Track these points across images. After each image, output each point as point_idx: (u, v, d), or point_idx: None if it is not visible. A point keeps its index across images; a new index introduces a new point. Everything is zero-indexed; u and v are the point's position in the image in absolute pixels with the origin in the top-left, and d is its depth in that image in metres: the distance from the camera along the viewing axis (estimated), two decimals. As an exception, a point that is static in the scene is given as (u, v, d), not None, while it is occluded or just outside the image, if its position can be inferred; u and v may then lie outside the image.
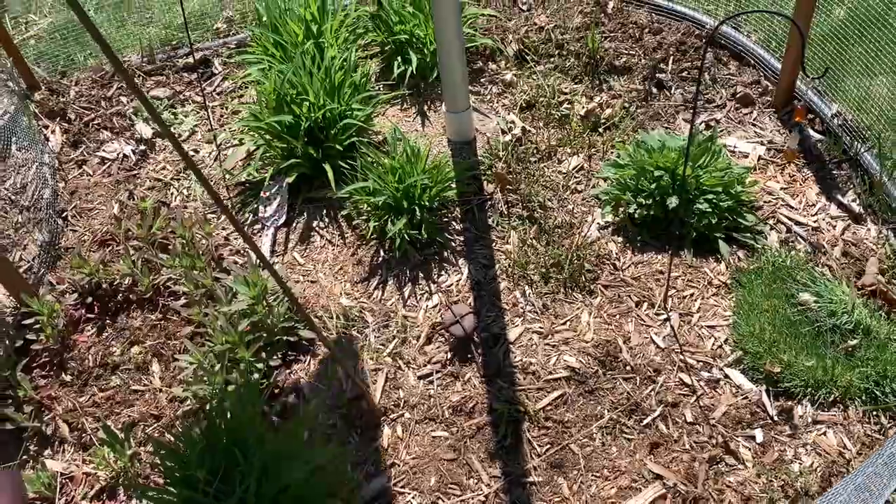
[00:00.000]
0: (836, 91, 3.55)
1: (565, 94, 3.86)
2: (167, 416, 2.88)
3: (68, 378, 3.02)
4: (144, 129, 3.97)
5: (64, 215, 3.62)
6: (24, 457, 2.83)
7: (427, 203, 3.30)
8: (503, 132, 3.72)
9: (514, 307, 3.09)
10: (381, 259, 3.31)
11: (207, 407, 2.72)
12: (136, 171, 3.82)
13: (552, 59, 4.02)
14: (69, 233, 3.55)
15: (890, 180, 3.20)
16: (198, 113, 4.07)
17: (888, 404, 2.64)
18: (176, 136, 3.88)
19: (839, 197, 3.29)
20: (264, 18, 3.91)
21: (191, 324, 3.10)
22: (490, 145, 3.65)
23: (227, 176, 3.70)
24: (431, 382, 2.90)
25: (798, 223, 3.23)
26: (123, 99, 4.12)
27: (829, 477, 2.51)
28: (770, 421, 2.68)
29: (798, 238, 3.18)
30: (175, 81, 4.24)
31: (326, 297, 3.20)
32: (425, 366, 2.95)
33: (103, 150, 3.90)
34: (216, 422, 2.46)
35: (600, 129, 3.68)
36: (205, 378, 2.82)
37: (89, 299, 3.22)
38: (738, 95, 3.73)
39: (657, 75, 3.84)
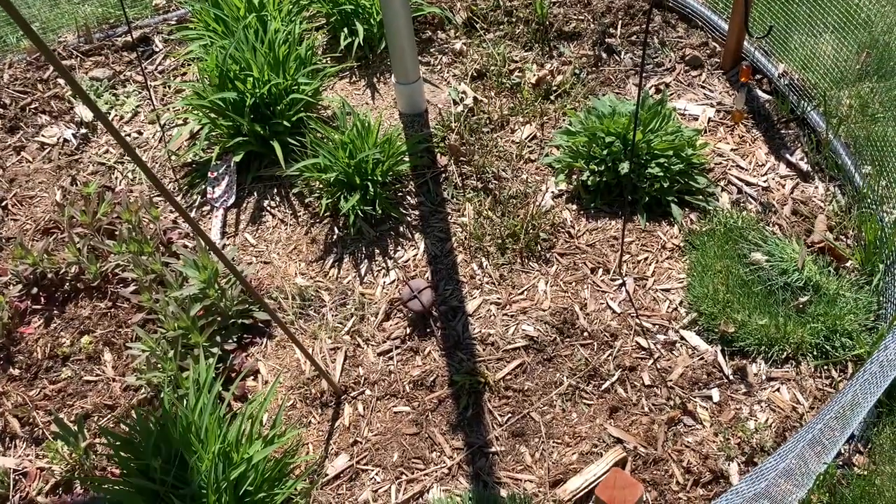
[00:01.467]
0: (782, 51, 3.57)
1: (516, 62, 3.82)
2: (121, 406, 2.82)
3: (16, 372, 2.93)
4: (85, 112, 3.84)
5: (3, 204, 3.49)
6: (-26, 455, 2.75)
7: (380, 178, 3.25)
8: (455, 103, 3.68)
9: (471, 279, 3.08)
10: (335, 237, 3.26)
11: (162, 394, 2.67)
12: (78, 156, 3.69)
13: (502, 27, 3.97)
14: (10, 222, 3.42)
15: (836, 138, 3.24)
16: (140, 93, 3.94)
17: (838, 358, 2.70)
18: (118, 118, 3.77)
19: (788, 156, 3.33)
20: (204, -8, 3.78)
21: (142, 310, 3.03)
22: (442, 116, 3.60)
23: (173, 157, 3.59)
24: (391, 358, 2.88)
25: (748, 183, 3.26)
26: (61, 81, 3.97)
27: (784, 432, 2.57)
28: (726, 380, 2.72)
29: (749, 198, 3.21)
30: (115, 61, 4.09)
31: (281, 277, 3.14)
32: (384, 342, 2.93)
33: (42, 135, 3.76)
34: (171, 409, 2.41)
35: (552, 97, 3.65)
36: (158, 365, 2.76)
37: (34, 290, 3.12)
38: (686, 58, 3.74)
39: (606, 40, 3.83)
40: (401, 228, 3.26)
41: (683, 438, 2.59)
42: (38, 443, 2.76)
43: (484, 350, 2.86)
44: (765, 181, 3.26)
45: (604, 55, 3.80)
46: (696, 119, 3.51)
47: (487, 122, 3.58)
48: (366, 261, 3.18)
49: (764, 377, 2.71)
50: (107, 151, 3.70)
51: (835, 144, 3.24)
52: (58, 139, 3.74)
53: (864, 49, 3.40)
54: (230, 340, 2.89)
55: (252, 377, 2.87)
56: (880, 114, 3.24)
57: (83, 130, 3.78)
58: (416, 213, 3.31)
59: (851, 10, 3.29)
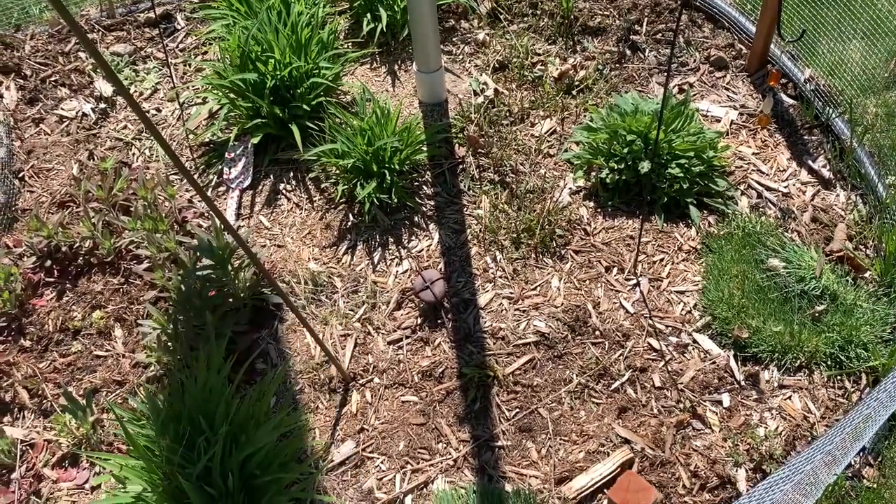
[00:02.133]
0: (809, 56, 3.53)
1: (539, 55, 3.79)
2: (130, 383, 2.82)
3: (27, 343, 2.94)
4: (104, 87, 3.83)
5: (20, 176, 3.49)
6: (-17, 424, 2.76)
7: (397, 166, 3.23)
8: (475, 94, 3.65)
9: (484, 272, 3.06)
10: (350, 223, 3.25)
11: (172, 373, 2.67)
12: (95, 130, 3.69)
13: (526, 19, 3.94)
14: (26, 194, 3.43)
15: (860, 146, 3.20)
16: (160, 70, 3.93)
17: (852, 369, 2.67)
18: (137, 94, 3.77)
19: (810, 162, 3.29)
20: (228, -28, 3.76)
21: (154, 288, 3.03)
22: (462, 107, 3.58)
23: (191, 136, 3.59)
24: (401, 348, 2.87)
25: (769, 188, 3.22)
26: (82, 55, 3.97)
27: (794, 440, 2.55)
28: (737, 386, 2.70)
29: (768, 203, 3.18)
30: (136, 37, 4.08)
31: (294, 261, 3.14)
32: (395, 331, 2.92)
33: (61, 108, 3.76)
34: (180, 388, 2.41)
35: (573, 92, 3.62)
36: (169, 344, 2.76)
37: (48, 262, 3.12)
38: (711, 59, 3.70)
39: (631, 37, 3.79)
40: (416, 218, 3.25)
41: (692, 442, 2.58)
42: (47, 415, 2.77)
43: (494, 344, 2.85)
44: (785, 187, 3.23)
45: (628, 52, 3.76)
46: (718, 121, 3.48)
47: (507, 114, 3.55)
48: (379, 249, 3.16)
49: (776, 384, 2.69)
50: (125, 127, 3.70)
51: (859, 153, 3.19)
52: (77, 113, 3.74)
53: (893, 57, 3.35)
54: (241, 322, 2.88)
55: (262, 360, 2.87)
56: (907, 124, 3.19)
57: (102, 105, 3.78)
58: (432, 203, 3.30)
59: (881, 18, 3.25)
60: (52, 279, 3.11)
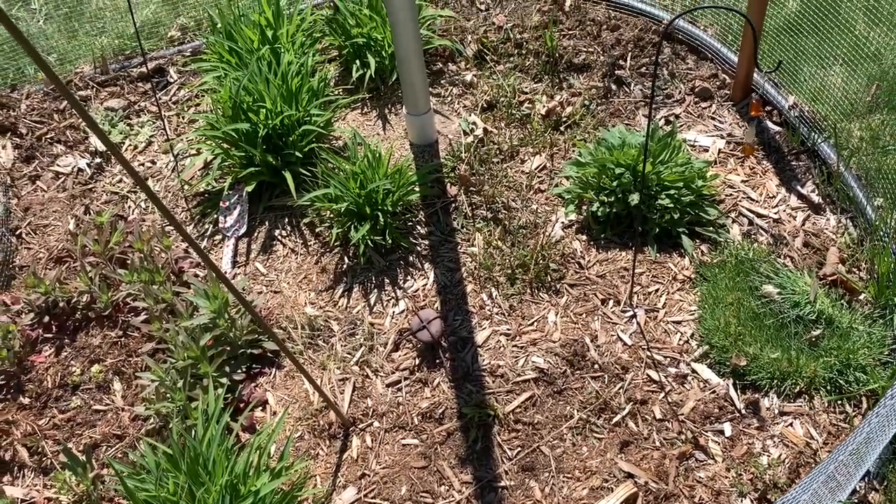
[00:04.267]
0: (792, 83, 3.58)
1: (526, 93, 3.84)
2: (130, 436, 2.82)
3: (26, 400, 2.94)
4: (99, 142, 3.88)
5: (18, 233, 3.52)
6: (-18, 484, 2.74)
7: (390, 208, 3.26)
8: (465, 133, 3.70)
9: (481, 310, 3.07)
10: (345, 266, 3.27)
11: (170, 425, 2.66)
12: (91, 185, 3.73)
13: (512, 59, 4.01)
14: (24, 251, 3.46)
15: (847, 170, 3.23)
16: (154, 123, 3.99)
17: (852, 393, 2.66)
18: (132, 147, 3.82)
19: (799, 188, 3.32)
20: (218, 25, 3.84)
21: (152, 340, 3.03)
22: (452, 147, 3.63)
23: (186, 186, 3.63)
24: (400, 390, 2.87)
25: (759, 215, 3.25)
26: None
27: (797, 468, 2.53)
28: (738, 414, 2.69)
29: (760, 230, 3.20)
30: (130, 92, 4.15)
31: (291, 306, 3.15)
32: (393, 373, 2.92)
33: (57, 165, 3.81)
34: (179, 440, 2.41)
35: (561, 128, 3.67)
36: (167, 395, 2.76)
37: (46, 318, 3.13)
38: (696, 90, 3.75)
39: (616, 72, 3.85)
40: (410, 258, 3.27)
41: (695, 473, 2.56)
42: (47, 472, 2.76)
43: (493, 382, 2.85)
44: (776, 213, 3.25)
45: (613, 87, 3.82)
46: (706, 150, 3.52)
47: (497, 152, 3.59)
48: (375, 290, 3.18)
49: (776, 411, 2.68)
50: (120, 181, 3.74)
51: (846, 176, 3.23)
52: (72, 168, 3.78)
53: (874, 81, 3.41)
54: (239, 370, 2.89)
55: (261, 408, 2.86)
56: (891, 146, 3.23)
57: (97, 160, 3.83)
58: (426, 242, 3.32)
59: (860, 43, 3.30)
60: (50, 335, 3.12)
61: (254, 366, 2.97)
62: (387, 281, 3.20)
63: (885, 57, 3.45)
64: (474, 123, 3.72)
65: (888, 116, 3.32)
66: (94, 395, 2.96)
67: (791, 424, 2.65)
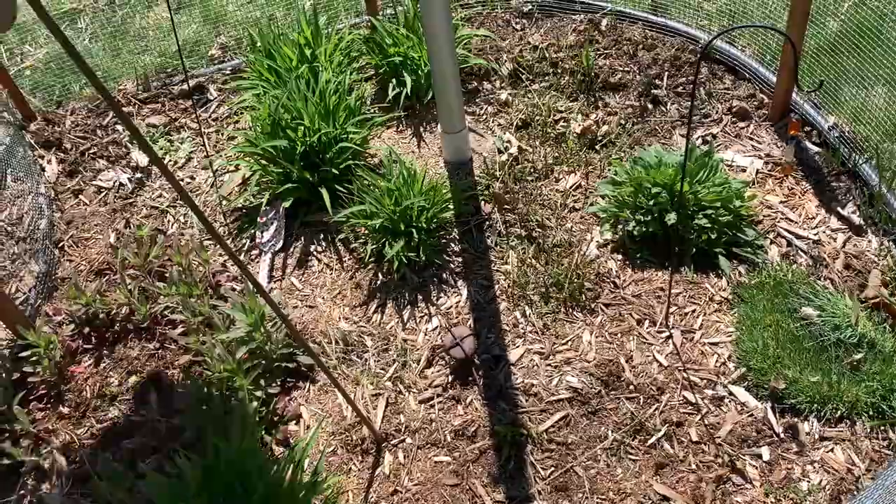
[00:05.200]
0: (832, 103, 3.54)
1: (561, 112, 3.85)
2: (166, 447, 2.84)
3: (66, 410, 2.98)
4: (140, 157, 3.97)
5: (60, 245, 3.60)
6: (22, 492, 2.79)
7: (424, 225, 3.28)
8: (499, 151, 3.71)
9: (514, 328, 3.06)
10: (379, 282, 3.28)
11: (206, 437, 2.68)
12: (132, 199, 3.81)
13: (547, 78, 4.02)
14: (66, 263, 3.53)
15: (889, 191, 3.18)
16: (194, 139, 4.06)
17: (895, 419, 2.61)
18: (172, 163, 3.89)
19: (839, 209, 3.27)
20: (258, 44, 3.92)
21: (188, 352, 3.07)
22: (487, 165, 3.64)
23: (224, 202, 3.68)
24: (432, 406, 2.87)
25: (798, 236, 3.20)
26: (119, 127, 4.12)
27: (839, 495, 2.47)
28: (776, 438, 2.64)
29: (799, 251, 3.16)
30: (171, 108, 4.24)
31: (325, 321, 3.17)
32: (426, 390, 2.91)
33: (99, 179, 3.89)
34: (215, 452, 2.43)
35: (597, 147, 3.66)
36: (203, 408, 2.79)
37: (86, 330, 3.19)
38: (734, 109, 3.73)
39: (652, 91, 3.84)
40: (444, 275, 3.28)
41: (732, 498, 2.51)
42: (84, 481, 2.79)
43: (527, 401, 2.83)
44: (815, 234, 3.20)
45: (649, 106, 3.81)
46: (743, 171, 3.48)
47: (532, 170, 3.60)
48: (409, 307, 3.19)
49: (817, 436, 2.63)
50: (160, 196, 3.81)
51: (888, 198, 3.17)
52: (114, 183, 3.86)
53: (917, 102, 3.35)
54: (274, 384, 2.91)
55: (294, 422, 2.88)
56: (935, 167, 3.17)
57: (138, 175, 3.90)
58: (460, 260, 3.33)
59: (903, 63, 3.26)
60: (89, 346, 3.17)
61: (288, 380, 2.99)
62: (420, 297, 3.21)
63: (928, 77, 3.39)
64: (509, 142, 3.73)
65: (932, 137, 3.26)
66: (131, 405, 3.00)
67: (832, 450, 2.59)
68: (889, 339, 2.76)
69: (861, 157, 3.34)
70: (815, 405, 2.66)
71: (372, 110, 3.95)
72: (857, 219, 3.22)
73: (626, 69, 3.97)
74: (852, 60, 3.43)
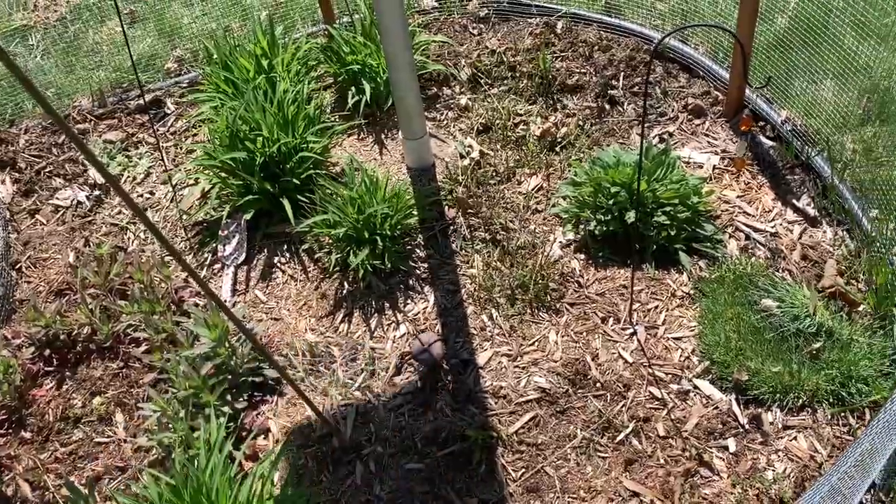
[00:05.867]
0: (784, 98, 3.61)
1: (520, 115, 3.88)
2: (132, 468, 2.80)
3: (28, 435, 2.93)
4: (98, 174, 3.91)
5: (17, 267, 3.53)
6: (-15, 520, 2.73)
7: (389, 232, 3.28)
8: (461, 156, 3.73)
9: (481, 331, 3.07)
10: (345, 291, 3.27)
11: (173, 455, 2.65)
12: (91, 217, 3.75)
13: (506, 82, 4.05)
14: (23, 284, 3.46)
15: (841, 182, 3.25)
16: (152, 154, 4.02)
17: (855, 405, 2.66)
18: (131, 178, 3.84)
19: (794, 201, 3.34)
20: (214, 56, 3.89)
21: (153, 370, 3.03)
22: (449, 170, 3.65)
23: (184, 216, 3.64)
24: (402, 414, 2.86)
25: (756, 230, 3.26)
26: (75, 145, 4.06)
27: (803, 482, 2.52)
28: (742, 429, 2.68)
29: (757, 244, 3.22)
30: (128, 124, 4.19)
31: (291, 333, 3.15)
32: (395, 397, 2.91)
33: (56, 198, 3.83)
34: (182, 470, 2.40)
35: (557, 149, 3.70)
36: (169, 425, 2.75)
37: (47, 352, 3.14)
38: (689, 107, 3.79)
39: (609, 92, 3.88)
40: (410, 281, 3.28)
41: (700, 490, 2.55)
42: (49, 507, 2.75)
43: (496, 403, 2.84)
44: (772, 227, 3.27)
45: (607, 107, 3.85)
46: (700, 167, 3.54)
47: (494, 174, 3.62)
48: (376, 315, 3.18)
49: (780, 426, 2.68)
50: (119, 212, 3.76)
51: (841, 189, 3.25)
52: (71, 201, 3.80)
53: (864, 94, 3.44)
54: (241, 399, 2.88)
55: (263, 436, 2.86)
56: (884, 158, 3.25)
57: (96, 192, 3.85)
58: (426, 265, 3.33)
59: (850, 57, 3.34)
60: (51, 368, 3.12)
61: (255, 394, 2.96)
62: (387, 305, 3.21)
63: (874, 70, 3.48)
64: (470, 146, 3.75)
65: (880, 128, 3.35)
66: (95, 427, 2.95)
67: (795, 438, 2.64)
68: (846, 327, 2.82)
69: (813, 149, 3.41)
70: (778, 395, 2.71)
71: (332, 119, 3.94)
72: (811, 210, 3.29)
73: (583, 71, 4.02)
74: (802, 55, 3.51)
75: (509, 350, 2.99)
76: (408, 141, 3.58)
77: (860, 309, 2.90)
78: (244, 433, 2.83)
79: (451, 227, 3.44)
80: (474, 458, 2.70)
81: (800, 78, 3.55)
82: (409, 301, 3.21)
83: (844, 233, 3.19)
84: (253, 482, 2.40)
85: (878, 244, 3.01)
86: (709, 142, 3.65)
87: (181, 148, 4.01)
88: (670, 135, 3.70)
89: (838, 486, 2.16)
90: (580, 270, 3.22)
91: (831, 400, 2.69)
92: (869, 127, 3.38)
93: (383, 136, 3.92)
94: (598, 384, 2.85)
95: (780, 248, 3.18)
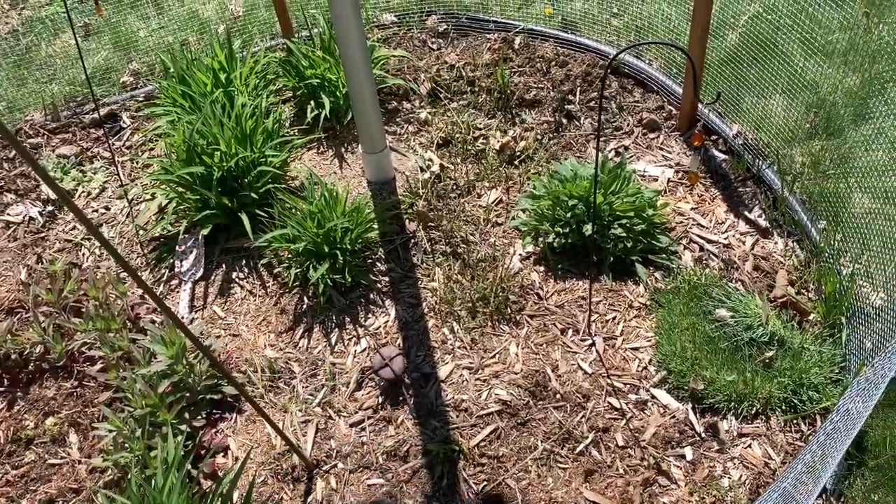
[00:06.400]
0: (735, 112, 3.71)
1: (480, 129, 3.91)
2: (87, 489, 2.74)
3: (-23, 458, 2.85)
4: (51, 190, 3.83)
5: (-33, 285, 3.44)
6: (-69, 548, 2.64)
7: (349, 246, 3.27)
8: (422, 170, 3.74)
9: (443, 344, 3.08)
10: (305, 307, 3.26)
11: (129, 475, 2.60)
12: (44, 233, 3.67)
13: (465, 96, 4.08)
14: (-27, 303, 3.37)
15: (791, 194, 3.35)
16: (107, 169, 3.96)
17: (806, 411, 2.73)
18: (86, 194, 3.78)
19: (746, 213, 3.43)
20: (171, 70, 3.85)
21: (108, 389, 2.98)
22: (409, 184, 3.66)
23: (141, 232, 3.59)
24: (364, 429, 2.85)
25: (710, 241, 3.34)
26: (27, 159, 3.97)
27: (758, 488, 2.57)
28: (698, 438, 2.73)
29: (711, 256, 3.29)
30: (82, 138, 4.12)
31: (250, 350, 3.12)
32: (356, 413, 2.90)
33: (7, 214, 3.74)
34: (138, 491, 2.36)
35: (516, 162, 3.74)
36: (126, 445, 2.70)
37: (-3, 372, 3.06)
38: (644, 121, 3.86)
39: (566, 106, 3.94)
40: (371, 296, 3.27)
41: (659, 499, 2.58)
42: (-1, 532, 2.67)
43: (457, 417, 2.85)
44: (725, 238, 3.34)
45: (564, 121, 3.91)
46: (655, 180, 3.61)
47: (454, 187, 3.64)
48: (336, 330, 3.17)
49: (735, 433, 2.73)
50: (73, 228, 3.69)
51: (791, 201, 3.34)
52: (23, 217, 3.72)
53: (812, 109, 3.55)
54: (199, 417, 2.84)
55: (222, 454, 2.82)
56: (831, 170, 3.35)
57: (49, 208, 3.78)
58: (387, 279, 3.33)
59: (797, 73, 3.45)
60: (2, 388, 3.04)
61: (214, 411, 2.92)
62: (347, 319, 3.20)
63: (821, 86, 3.60)
64: (430, 160, 3.77)
65: (827, 142, 3.46)
66: (48, 448, 2.88)
67: (750, 445, 2.70)
68: (797, 336, 2.89)
69: (764, 162, 3.50)
70: (733, 403, 2.77)
71: (291, 133, 3.93)
72: (763, 222, 3.37)
73: (541, 86, 4.07)
74: (752, 71, 3.61)
75: (470, 363, 3.01)
76: (368, 155, 3.59)
77: (811, 318, 2.98)
78: (203, 451, 2.79)
79: (412, 241, 3.45)
80: (436, 473, 2.70)
81: (751, 93, 3.65)
82: (369, 315, 3.21)
83: (795, 244, 3.28)
84: (212, 501, 2.36)
85: (826, 254, 3.10)
86: (663, 155, 3.73)
87: (137, 162, 3.96)
88: (626, 149, 3.77)
89: (791, 492, 2.22)
90: (540, 283, 3.25)
91: (784, 407, 2.75)
92: (816, 141, 3.48)
93: (343, 149, 3.92)
94: (558, 395, 2.87)
95: (733, 259, 3.25)
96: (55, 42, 4.65)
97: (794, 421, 2.74)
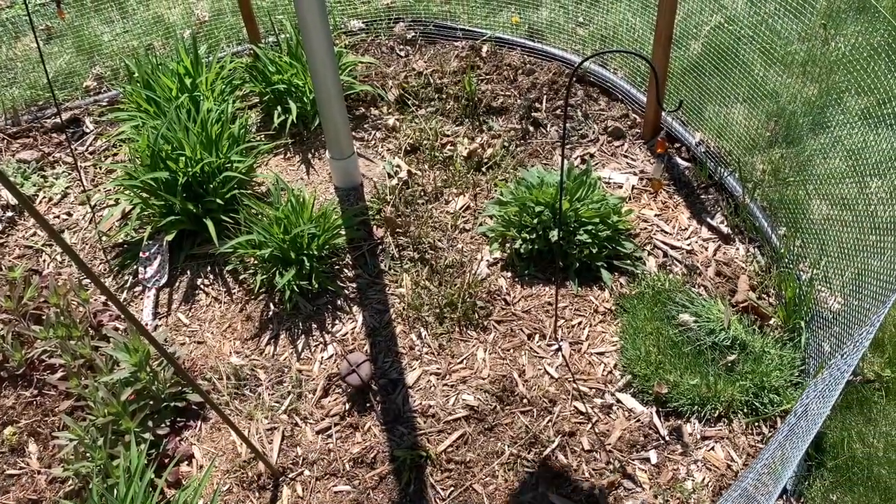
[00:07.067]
0: (698, 120, 3.78)
1: (448, 136, 3.93)
2: (47, 500, 2.69)
3: (-68, 469, 2.78)
4: (10, 195, 3.76)
5: (-78, 292, 3.36)
6: None
7: (316, 252, 3.26)
8: (389, 176, 3.75)
9: (410, 350, 3.08)
10: (271, 313, 3.23)
11: (91, 485, 2.56)
12: (3, 240, 3.60)
13: (433, 103, 4.10)
14: (-72, 310, 3.29)
15: (752, 201, 3.41)
16: (70, 174, 3.89)
17: (767, 414, 2.78)
18: (47, 199, 3.71)
19: (709, 220, 3.49)
20: (136, 74, 3.81)
21: (70, 397, 2.92)
22: (377, 190, 3.66)
23: (104, 238, 3.54)
24: (330, 436, 2.84)
25: (673, 247, 3.39)
26: (-14, 164, 3.90)
27: (720, 490, 2.61)
28: (662, 441, 2.77)
29: (674, 261, 3.34)
30: (43, 143, 4.05)
31: (215, 357, 3.09)
32: (323, 419, 2.89)
33: (-35, 220, 3.67)
34: (100, 501, 2.32)
35: (483, 169, 3.76)
36: (87, 454, 2.66)
37: (-46, 381, 2.99)
38: (609, 129, 3.91)
39: (533, 114, 3.98)
40: (338, 302, 3.26)
41: (624, 502, 2.61)
42: (-45, 545, 2.61)
43: (425, 422, 2.85)
44: (688, 244, 3.40)
45: (531, 128, 3.94)
46: (620, 187, 3.66)
47: (422, 194, 3.65)
48: (303, 336, 3.15)
49: (699, 436, 2.77)
50: (34, 234, 3.62)
51: (752, 207, 3.40)
52: (-18, 223, 3.65)
53: (772, 118, 3.63)
54: (163, 425, 2.80)
55: (186, 462, 2.78)
56: (791, 178, 3.43)
57: (9, 213, 3.70)
58: (354, 285, 3.33)
59: (758, 83, 3.53)
60: (-42, 398, 2.97)
61: (178, 419, 2.89)
62: (314, 326, 3.18)
63: (780, 95, 3.68)
64: (398, 166, 3.77)
65: (786, 150, 3.54)
66: (7, 458, 2.82)
67: (713, 448, 2.74)
68: (758, 340, 2.95)
69: (726, 170, 3.57)
70: (696, 406, 2.81)
71: (257, 138, 3.91)
72: (725, 228, 3.43)
73: (508, 93, 4.10)
74: (714, 80, 3.68)
75: (438, 368, 3.01)
76: (335, 160, 3.58)
77: (771, 322, 3.04)
78: (167, 460, 2.75)
79: (380, 247, 3.45)
80: (403, 479, 2.70)
81: (713, 102, 3.72)
82: (336, 321, 3.20)
83: (756, 249, 3.34)
84: (175, 510, 2.33)
85: (786, 260, 3.17)
86: (628, 163, 3.78)
87: (100, 168, 3.90)
88: (591, 156, 3.82)
89: (752, 492, 2.26)
90: (507, 288, 3.27)
91: (746, 410, 2.80)
92: (776, 149, 3.56)
93: (310, 155, 3.91)
94: (524, 400, 2.89)
95: (696, 264, 3.31)
96: (16, 45, 4.57)
97: (756, 423, 2.79)
